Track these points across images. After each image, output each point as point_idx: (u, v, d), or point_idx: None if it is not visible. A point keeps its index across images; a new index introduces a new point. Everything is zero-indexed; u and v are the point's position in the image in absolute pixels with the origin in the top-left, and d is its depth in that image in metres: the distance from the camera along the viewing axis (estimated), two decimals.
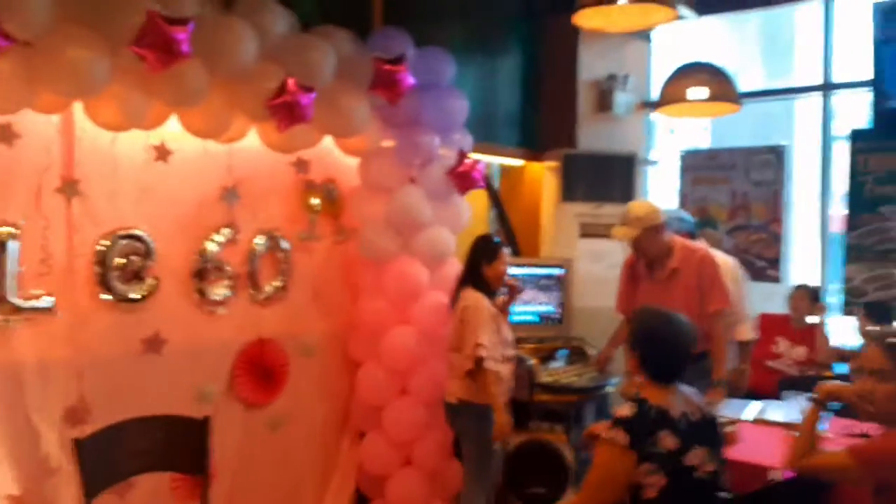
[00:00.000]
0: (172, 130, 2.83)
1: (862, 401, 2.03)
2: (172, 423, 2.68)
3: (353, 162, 3.50)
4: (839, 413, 2.37)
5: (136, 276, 2.84)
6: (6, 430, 2.52)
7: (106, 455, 2.49)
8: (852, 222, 4.51)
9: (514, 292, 3.45)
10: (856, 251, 4.49)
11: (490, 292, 3.32)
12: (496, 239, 3.48)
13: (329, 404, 3.59)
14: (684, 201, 5.23)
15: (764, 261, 4.95)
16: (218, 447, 2.81)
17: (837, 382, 2.17)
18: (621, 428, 2.10)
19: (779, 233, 4.92)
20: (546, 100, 5.00)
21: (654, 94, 5.35)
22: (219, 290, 3.10)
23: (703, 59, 4.07)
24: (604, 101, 4.99)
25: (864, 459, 1.99)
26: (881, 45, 4.37)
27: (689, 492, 2.12)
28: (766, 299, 4.63)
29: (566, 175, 4.81)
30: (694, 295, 3.38)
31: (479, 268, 3.31)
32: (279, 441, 3.37)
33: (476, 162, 3.54)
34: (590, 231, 4.76)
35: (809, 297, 4.38)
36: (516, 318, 3.92)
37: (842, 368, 4.24)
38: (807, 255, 5.04)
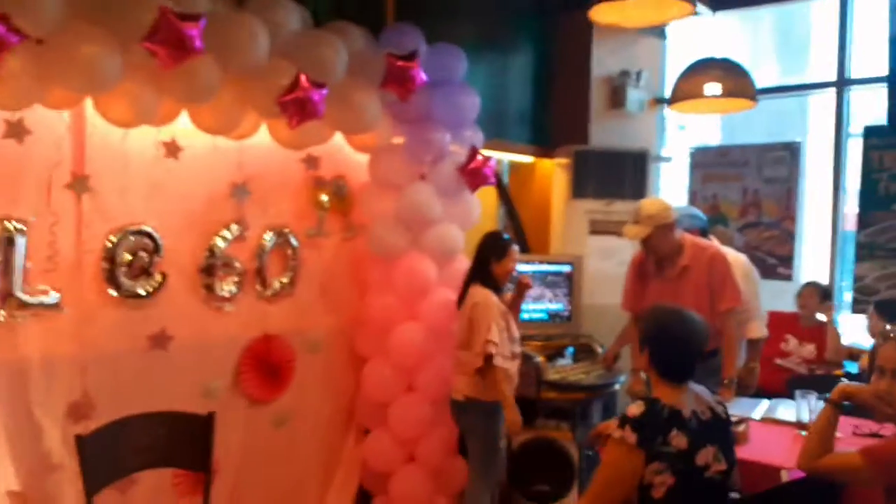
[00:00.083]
0: (183, 127, 2.83)
1: (879, 402, 2.01)
2: (176, 419, 2.69)
3: (362, 158, 3.49)
4: (849, 412, 2.35)
5: (143, 272, 2.85)
6: (9, 425, 2.52)
7: (109, 451, 2.49)
8: (865, 220, 4.47)
9: (523, 289, 3.45)
10: (868, 249, 4.46)
11: (498, 289, 3.31)
12: (506, 236, 3.47)
13: (334, 401, 3.60)
14: (694, 198, 5.21)
15: (775, 258, 4.92)
16: (222, 443, 2.82)
17: (854, 383, 2.14)
18: (630, 427, 2.09)
19: (791, 230, 4.88)
20: (558, 96, 4.98)
21: (668, 90, 5.33)
22: (226, 287, 3.11)
23: (715, 56, 4.02)
24: (616, 98, 4.97)
25: (876, 460, 1.96)
26: None
27: (698, 491, 2.11)
28: (778, 297, 4.60)
29: (577, 171, 4.79)
30: (704, 293, 3.36)
31: (487, 264, 3.31)
32: (283, 437, 3.38)
33: (487, 159, 3.53)
34: (600, 228, 4.74)
35: (819, 295, 4.35)
36: (525, 316, 3.91)
37: (852, 367, 4.22)
38: (819, 253, 5.00)
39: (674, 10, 2.89)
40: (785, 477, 2.49)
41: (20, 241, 2.52)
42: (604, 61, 4.96)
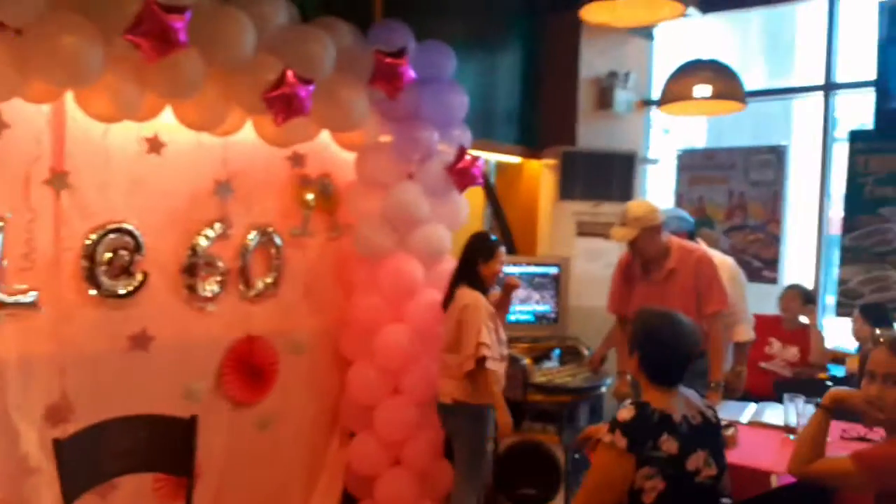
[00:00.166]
0: (166, 122, 2.77)
1: (870, 406, 2.00)
2: (157, 422, 2.62)
3: (349, 157, 3.45)
4: (837, 416, 2.34)
5: (124, 270, 2.80)
6: None
7: (88, 455, 2.43)
8: (850, 224, 4.49)
9: (510, 289, 3.42)
10: (853, 253, 4.48)
11: (485, 290, 3.29)
12: (493, 237, 3.44)
13: (318, 403, 3.56)
14: (680, 201, 5.21)
15: (761, 261, 4.94)
16: (205, 446, 2.76)
17: (844, 388, 2.13)
18: (620, 431, 2.06)
19: (777, 233, 4.90)
20: (546, 97, 4.97)
21: (656, 92, 5.33)
22: (209, 286, 3.06)
23: (705, 58, 4.02)
24: (604, 99, 4.96)
25: (868, 466, 1.96)
26: (886, 45, 4.34)
27: (689, 497, 2.09)
28: (763, 300, 4.60)
29: (565, 173, 4.78)
30: (691, 296, 3.35)
31: (475, 266, 3.28)
32: (267, 440, 3.33)
33: (476, 158, 3.50)
34: (587, 230, 4.73)
35: (801, 298, 4.37)
36: (512, 318, 3.89)
37: (836, 370, 4.23)
38: (804, 257, 5.02)
39: (665, 10, 2.87)
40: (775, 481, 2.48)
41: None
42: (592, 62, 4.95)
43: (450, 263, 3.46)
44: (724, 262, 3.80)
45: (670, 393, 2.17)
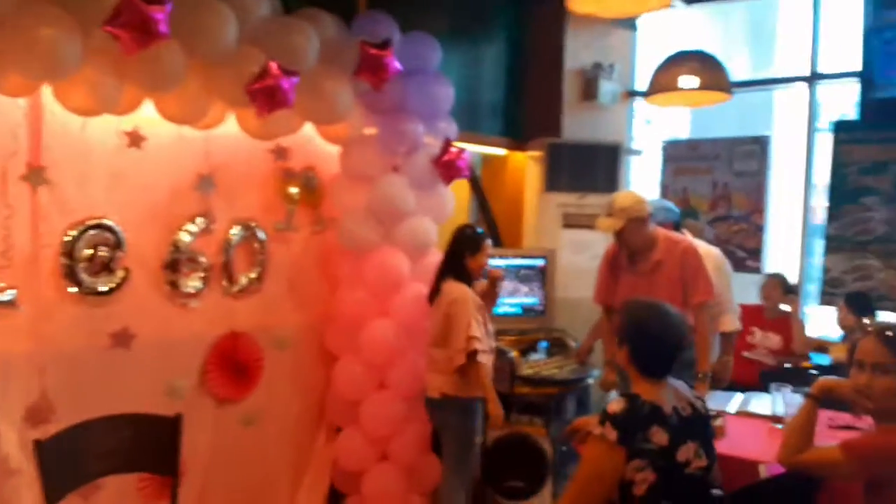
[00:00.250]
0: (146, 116, 2.72)
1: (858, 396, 2.00)
2: (141, 421, 2.59)
3: (333, 149, 3.41)
4: (825, 405, 2.35)
5: (104, 267, 2.74)
6: None
7: (70, 456, 2.39)
8: (833, 213, 4.51)
9: (495, 281, 3.40)
10: (836, 242, 4.50)
11: (471, 283, 3.27)
12: (479, 229, 3.42)
13: (304, 399, 3.52)
14: (666, 192, 5.21)
15: (745, 251, 4.96)
16: (189, 444, 2.73)
17: (833, 378, 2.14)
18: (611, 423, 2.06)
19: (760, 223, 4.92)
20: (531, 88, 4.95)
21: (639, 83, 5.33)
22: (191, 283, 3.02)
23: (690, 48, 4.03)
24: (589, 90, 4.95)
25: (857, 455, 1.96)
26: (871, 35, 4.36)
27: (679, 488, 2.09)
28: (747, 290, 4.63)
29: (550, 164, 4.76)
30: (677, 287, 3.36)
31: (461, 259, 3.26)
32: (252, 437, 3.30)
33: (462, 151, 3.47)
34: (573, 221, 4.72)
35: (781, 286, 4.41)
36: (499, 310, 3.87)
37: (820, 359, 4.26)
38: (787, 246, 5.05)
39: (652, 0, 2.85)
40: (763, 471, 2.49)
41: None
42: (576, 53, 4.94)
43: (436, 257, 3.44)
44: (709, 252, 3.81)
45: (660, 384, 2.17)
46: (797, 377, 3.26)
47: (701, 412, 2.22)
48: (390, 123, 3.32)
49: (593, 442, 2.08)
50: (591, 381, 4.05)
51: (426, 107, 3.40)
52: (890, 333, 1.98)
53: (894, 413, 1.96)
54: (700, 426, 2.19)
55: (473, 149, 4.63)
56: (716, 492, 2.21)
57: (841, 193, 4.47)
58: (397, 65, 3.07)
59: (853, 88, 4.48)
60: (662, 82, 3.89)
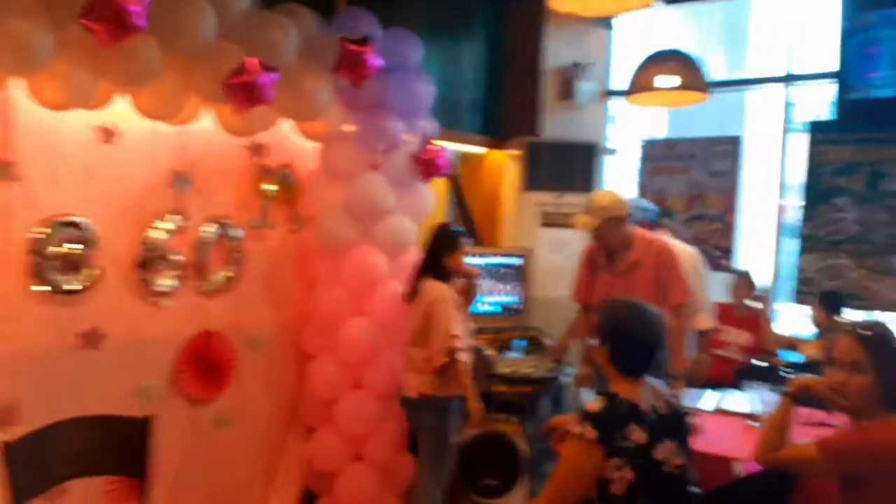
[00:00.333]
0: (120, 110, 2.66)
1: (834, 394, 2.02)
2: (110, 423, 2.53)
3: (311, 146, 3.38)
4: (800, 402, 2.38)
5: (75, 266, 2.68)
6: None
7: (37, 459, 2.33)
8: (807, 213, 4.57)
9: (471, 278, 3.39)
10: (810, 242, 4.56)
11: (449, 281, 3.26)
12: (457, 228, 3.41)
13: (277, 399, 3.49)
14: (643, 191, 5.24)
15: (719, 250, 5.00)
16: (160, 446, 2.67)
17: (809, 375, 2.16)
18: (590, 423, 2.06)
19: (734, 223, 4.97)
20: (509, 87, 4.95)
21: (615, 82, 5.35)
22: (165, 281, 2.97)
23: (668, 48, 4.04)
24: (566, 90, 4.95)
25: (833, 453, 1.98)
26: (848, 36, 4.41)
27: (657, 486, 2.09)
28: (721, 288, 4.68)
29: (529, 163, 4.76)
30: (653, 287, 3.37)
31: (440, 258, 3.25)
32: (225, 438, 3.26)
33: (441, 149, 3.45)
34: (551, 220, 4.73)
35: (747, 284, 4.46)
36: (477, 308, 3.87)
37: (791, 356, 4.32)
38: (761, 245, 5.10)
39: (633, 0, 2.84)
40: (739, 468, 2.51)
41: None
42: (554, 52, 4.94)
43: (414, 255, 3.42)
44: (685, 251, 3.84)
45: (638, 383, 2.18)
46: (770, 375, 3.31)
47: (678, 410, 2.23)
48: (369, 120, 3.30)
49: (572, 441, 2.08)
50: (566, 379, 4.06)
51: (406, 104, 3.37)
52: (866, 332, 2.01)
53: (869, 411, 1.98)
54: (677, 424, 2.20)
55: (452, 147, 4.62)
56: (693, 489, 2.22)
57: (815, 193, 4.53)
58: (377, 61, 3.04)
59: (828, 89, 4.53)
60: (642, 82, 3.90)
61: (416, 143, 3.41)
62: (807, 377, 2.16)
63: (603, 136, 5.40)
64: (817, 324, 4.16)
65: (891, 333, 2.02)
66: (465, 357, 3.11)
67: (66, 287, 2.66)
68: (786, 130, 4.77)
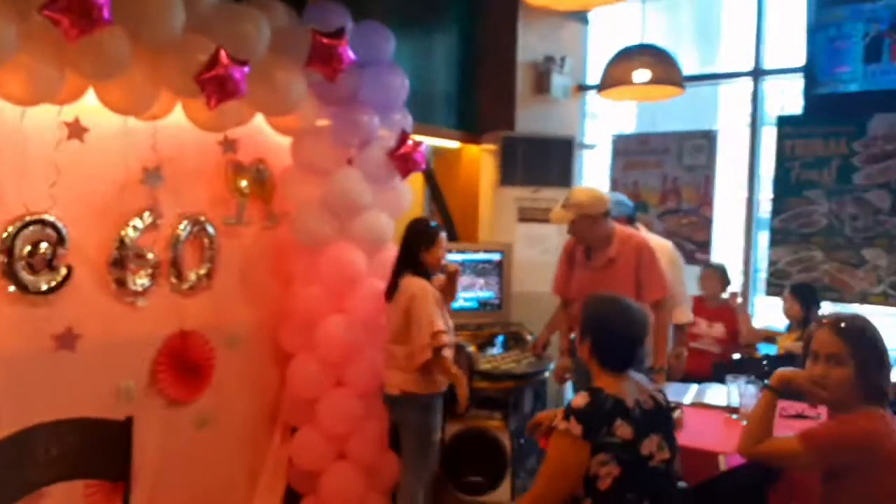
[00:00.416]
0: (89, 105, 2.58)
1: (815, 386, 2.03)
2: (88, 426, 2.48)
3: (284, 141, 3.32)
4: (782, 395, 2.40)
5: (46, 265, 2.60)
6: None
7: (12, 465, 2.27)
8: (778, 206, 4.61)
9: (452, 276, 3.37)
10: (781, 234, 4.61)
11: (428, 277, 3.23)
12: (433, 223, 3.37)
13: (258, 399, 3.44)
14: (615, 185, 5.26)
15: (694, 244, 5.03)
16: (139, 448, 2.63)
17: (790, 369, 2.17)
18: (575, 418, 2.05)
19: (709, 216, 5.00)
20: (484, 81, 4.92)
21: (590, 76, 5.35)
22: (138, 280, 2.90)
23: (641, 43, 4.04)
24: (541, 84, 4.94)
25: (815, 446, 1.99)
26: (814, 32, 4.45)
27: (643, 481, 2.09)
28: (696, 282, 4.70)
29: (504, 158, 4.74)
30: (631, 282, 3.38)
31: (417, 253, 3.21)
32: (205, 439, 3.20)
33: (418, 144, 3.42)
34: (528, 215, 4.72)
35: (718, 277, 4.50)
36: (456, 305, 3.84)
37: (767, 349, 4.36)
38: (735, 238, 5.14)
39: None
40: (722, 462, 2.52)
41: None
42: (529, 45, 4.92)
43: (392, 251, 3.38)
44: (662, 246, 3.85)
45: (622, 378, 2.18)
46: (749, 367, 3.33)
47: (662, 405, 2.23)
48: (343, 115, 3.25)
49: (559, 437, 2.07)
50: (547, 374, 4.06)
51: (380, 98, 3.33)
52: (843, 325, 2.02)
53: (849, 403, 1.99)
54: (662, 419, 2.20)
55: (427, 141, 4.58)
56: (679, 484, 2.22)
57: (785, 187, 4.57)
58: (351, 55, 3.00)
59: (797, 84, 4.57)
60: (616, 76, 3.90)
61: (391, 137, 3.37)
62: (788, 370, 2.16)
63: (579, 130, 5.40)
64: (789, 315, 4.21)
65: (870, 326, 2.03)
66: (447, 353, 3.09)
67: (37, 287, 2.59)
68: (757, 124, 4.81)
